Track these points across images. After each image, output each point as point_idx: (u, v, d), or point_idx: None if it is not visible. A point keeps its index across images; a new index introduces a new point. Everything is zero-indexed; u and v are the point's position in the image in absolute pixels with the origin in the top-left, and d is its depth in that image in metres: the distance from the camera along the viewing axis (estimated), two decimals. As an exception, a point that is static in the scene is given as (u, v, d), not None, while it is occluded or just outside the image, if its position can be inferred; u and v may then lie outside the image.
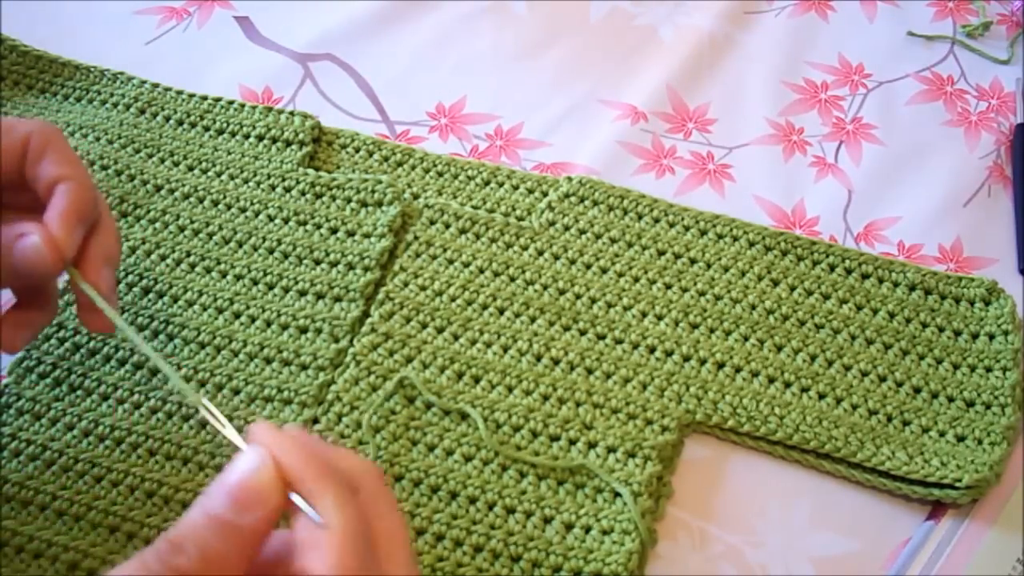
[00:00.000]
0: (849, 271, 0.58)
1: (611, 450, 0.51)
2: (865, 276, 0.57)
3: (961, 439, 0.52)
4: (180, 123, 0.63)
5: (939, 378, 0.54)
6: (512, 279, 0.57)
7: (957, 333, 0.56)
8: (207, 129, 0.63)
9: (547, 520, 0.49)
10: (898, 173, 0.65)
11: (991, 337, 0.55)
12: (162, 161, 0.62)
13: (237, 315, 0.56)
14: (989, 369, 0.54)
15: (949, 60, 0.71)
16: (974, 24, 0.72)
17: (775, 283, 0.57)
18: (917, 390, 0.54)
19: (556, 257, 0.58)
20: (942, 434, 0.52)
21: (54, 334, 0.55)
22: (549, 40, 0.72)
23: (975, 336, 0.55)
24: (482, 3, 0.73)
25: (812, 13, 0.74)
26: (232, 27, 0.71)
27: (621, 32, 0.72)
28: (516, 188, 0.61)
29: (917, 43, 0.72)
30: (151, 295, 0.56)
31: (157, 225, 0.59)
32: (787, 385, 0.54)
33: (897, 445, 0.51)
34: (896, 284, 0.57)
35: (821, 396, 0.53)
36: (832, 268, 0.58)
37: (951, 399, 0.53)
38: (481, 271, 0.57)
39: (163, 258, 0.58)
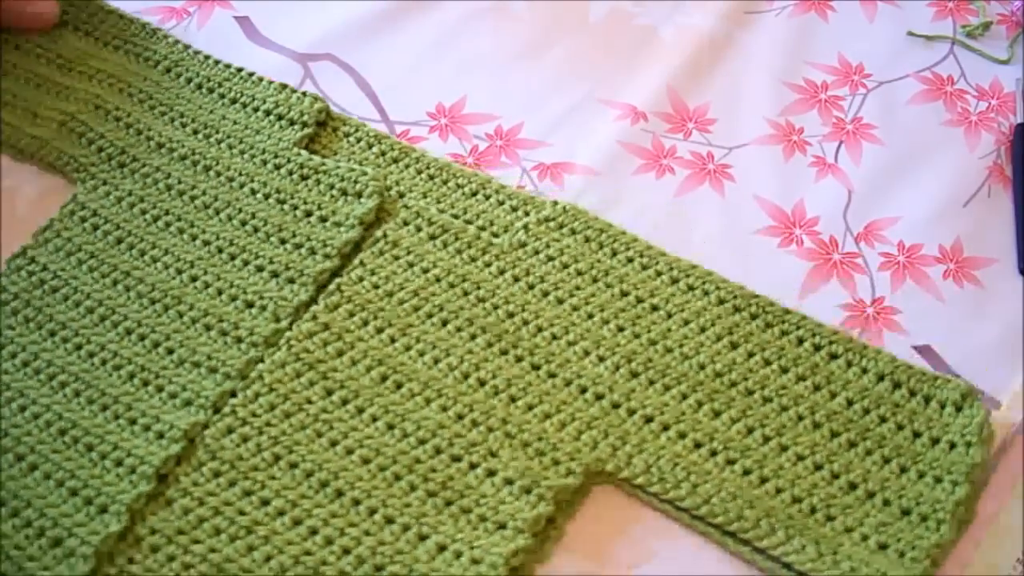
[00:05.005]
0: (817, 347, 0.55)
1: (508, 482, 0.50)
2: (833, 356, 0.54)
3: (883, 547, 0.49)
4: (200, 87, 0.66)
5: (880, 478, 0.51)
6: (465, 293, 0.56)
7: (916, 435, 0.52)
8: (223, 97, 0.65)
9: (422, 537, 0.49)
10: (898, 173, 0.65)
11: (952, 446, 0.51)
12: (172, 121, 0.64)
13: (194, 279, 0.57)
14: (939, 480, 0.50)
15: (949, 60, 0.71)
16: (974, 24, 0.72)
17: (734, 345, 0.55)
18: (853, 486, 0.50)
19: (516, 279, 0.57)
20: (864, 538, 0.49)
21: (24, 266, 0.58)
22: (549, 40, 0.72)
23: (935, 441, 0.52)
24: (482, 3, 0.73)
25: (812, 13, 0.73)
26: (232, 27, 0.71)
27: (621, 32, 0.72)
28: (501, 204, 0.60)
29: (917, 43, 0.72)
30: (122, 245, 0.59)
31: (148, 181, 0.61)
32: (713, 454, 0.51)
33: (810, 539, 0.49)
34: (865, 371, 0.54)
35: (746, 472, 0.51)
36: (800, 341, 0.55)
37: (886, 503, 0.50)
38: (437, 280, 0.57)
39: (143, 212, 0.60)
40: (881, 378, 0.54)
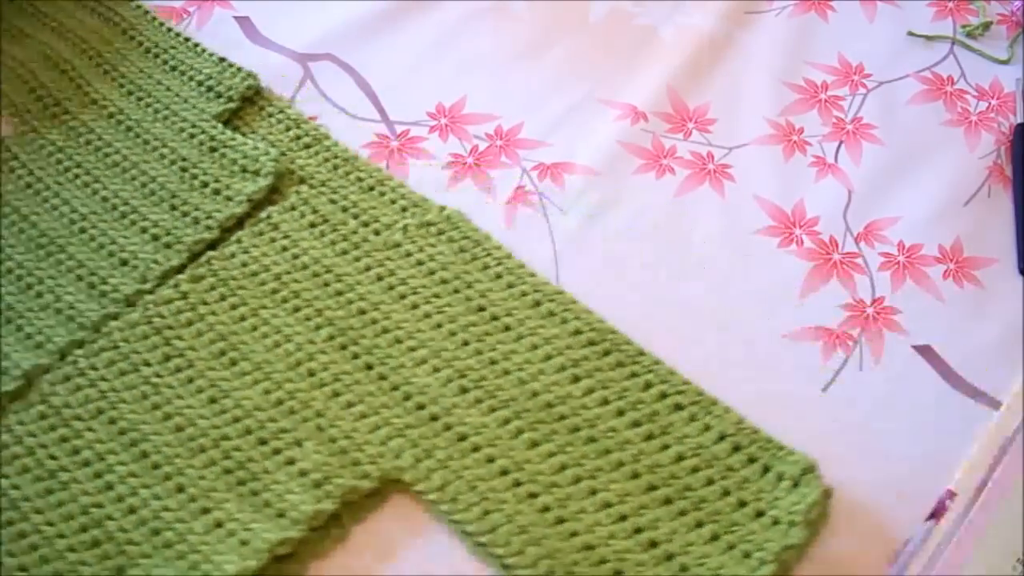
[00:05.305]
0: (664, 395, 0.52)
1: (303, 473, 0.50)
2: (678, 407, 0.52)
3: None
4: (148, 51, 0.68)
5: (685, 541, 0.48)
6: (325, 284, 0.57)
7: (741, 504, 0.49)
8: (165, 63, 0.67)
9: (204, 511, 0.49)
10: (898, 173, 0.64)
11: (775, 522, 0.48)
12: (112, 80, 0.67)
13: (82, 230, 0.59)
14: (747, 555, 0.47)
15: (949, 60, 0.71)
16: (974, 24, 0.72)
17: (576, 379, 0.53)
18: (653, 544, 0.48)
19: (380, 278, 0.57)
20: None
21: None
22: (549, 40, 0.72)
23: (758, 514, 0.49)
24: (482, 3, 0.73)
25: (812, 13, 0.73)
26: (232, 27, 0.72)
27: (621, 32, 0.72)
28: (393, 202, 0.61)
29: (917, 43, 0.72)
30: (29, 191, 0.62)
31: (72, 133, 0.64)
32: (517, 484, 0.50)
33: None
34: (707, 427, 0.51)
35: (545, 509, 0.49)
36: (647, 386, 0.53)
37: (684, 568, 0.47)
38: (304, 267, 0.58)
39: (59, 163, 0.63)
40: (722, 438, 0.51)
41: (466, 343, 0.55)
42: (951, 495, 0.51)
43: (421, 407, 0.52)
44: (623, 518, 0.49)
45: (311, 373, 0.54)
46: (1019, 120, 0.66)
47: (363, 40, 0.71)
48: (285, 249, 0.58)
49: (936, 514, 0.50)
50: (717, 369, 0.55)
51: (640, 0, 0.74)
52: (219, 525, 0.49)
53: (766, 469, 0.50)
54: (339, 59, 0.70)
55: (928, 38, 0.72)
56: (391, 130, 0.66)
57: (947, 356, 0.57)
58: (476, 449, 0.51)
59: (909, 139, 0.66)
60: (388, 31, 0.72)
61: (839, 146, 0.66)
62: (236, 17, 0.73)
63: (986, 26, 0.72)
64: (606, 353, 0.54)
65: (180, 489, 0.50)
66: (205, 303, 0.56)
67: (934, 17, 0.73)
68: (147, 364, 0.54)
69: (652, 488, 0.50)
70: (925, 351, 0.57)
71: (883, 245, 0.61)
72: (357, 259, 0.58)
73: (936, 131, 0.67)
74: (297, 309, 0.56)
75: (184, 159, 0.62)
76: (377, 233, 0.59)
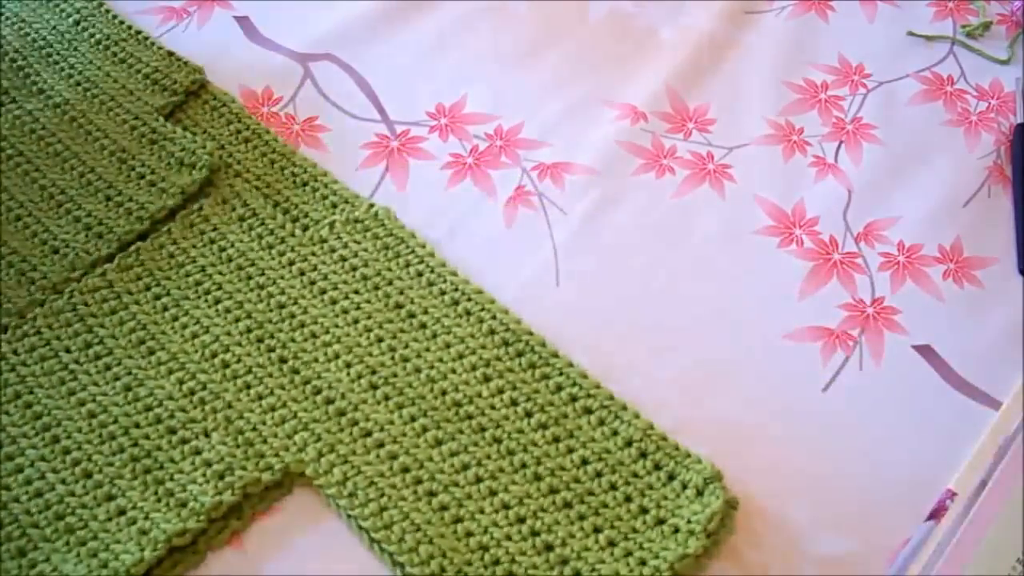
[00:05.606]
0: (574, 399, 0.52)
1: (207, 464, 0.50)
2: (587, 411, 0.52)
3: None
4: (99, 43, 0.69)
5: (582, 547, 0.48)
6: (248, 277, 0.57)
7: (643, 511, 0.49)
8: (115, 55, 0.68)
9: (109, 498, 0.50)
10: (898, 173, 0.64)
11: (675, 531, 0.48)
12: (61, 71, 0.67)
13: (18, 218, 0.60)
14: (643, 563, 0.47)
15: (949, 60, 0.71)
16: (974, 24, 0.72)
17: (486, 379, 0.53)
18: (548, 547, 0.48)
19: (302, 273, 0.58)
20: None
21: None
22: (549, 40, 0.72)
23: (659, 522, 0.48)
24: (482, 3, 0.73)
25: (812, 13, 0.73)
26: (232, 27, 0.72)
27: (621, 32, 0.72)
28: (325, 198, 0.61)
29: (917, 43, 0.72)
30: None
31: (17, 123, 0.65)
32: (417, 482, 0.50)
33: None
34: (615, 432, 0.51)
35: (442, 507, 0.49)
36: (558, 388, 0.53)
37: (576, 573, 0.47)
38: (229, 260, 0.58)
39: (2, 151, 0.63)
40: (629, 444, 0.51)
41: (380, 340, 0.55)
42: (951, 495, 0.51)
43: (330, 402, 0.53)
44: (521, 520, 0.49)
45: (225, 365, 0.54)
46: (1019, 120, 0.66)
47: (363, 40, 0.71)
48: (212, 242, 0.59)
49: (936, 514, 0.50)
50: (717, 369, 0.56)
51: (640, 0, 0.74)
52: (122, 513, 0.49)
53: (671, 476, 0.50)
54: (339, 59, 0.70)
55: (928, 38, 0.72)
56: (391, 130, 0.66)
57: (947, 356, 0.57)
58: (380, 445, 0.51)
59: (909, 139, 0.66)
60: (388, 31, 0.72)
61: (839, 146, 0.66)
62: (236, 17, 0.73)
63: (986, 26, 0.72)
64: (519, 354, 0.54)
65: (87, 475, 0.50)
66: (130, 292, 0.57)
67: (934, 17, 0.73)
68: (67, 351, 0.55)
69: (553, 491, 0.50)
70: (925, 351, 0.57)
71: (883, 245, 0.61)
72: (282, 253, 0.58)
73: (936, 131, 0.67)
74: (218, 301, 0.56)
75: (124, 150, 0.63)
76: (305, 228, 0.60)
